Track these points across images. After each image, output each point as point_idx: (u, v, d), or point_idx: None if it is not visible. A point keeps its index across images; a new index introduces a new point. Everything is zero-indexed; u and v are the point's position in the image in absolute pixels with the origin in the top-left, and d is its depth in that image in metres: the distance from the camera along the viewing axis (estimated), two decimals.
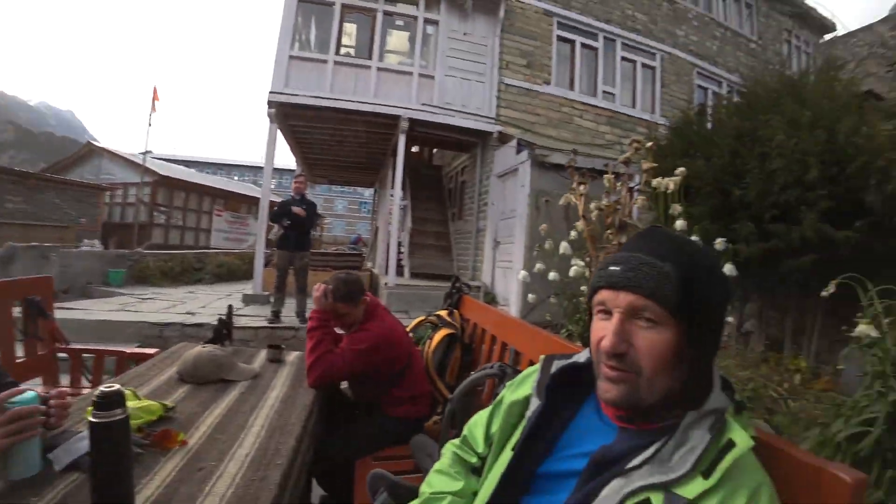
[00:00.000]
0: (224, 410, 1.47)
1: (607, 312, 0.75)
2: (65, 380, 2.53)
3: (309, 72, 7.36)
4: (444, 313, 2.60)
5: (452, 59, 8.03)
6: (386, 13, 7.91)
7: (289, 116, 7.82)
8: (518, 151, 7.08)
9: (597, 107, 8.95)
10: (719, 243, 3.00)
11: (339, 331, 2.13)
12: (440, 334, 2.40)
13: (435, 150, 13.45)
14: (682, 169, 2.88)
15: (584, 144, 8.48)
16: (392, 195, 9.54)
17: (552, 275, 2.88)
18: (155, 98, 13.47)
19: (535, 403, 0.86)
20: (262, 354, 2.21)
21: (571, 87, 8.86)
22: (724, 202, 4.57)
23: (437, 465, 1.00)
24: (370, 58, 7.71)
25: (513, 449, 0.83)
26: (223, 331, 2.25)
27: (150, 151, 14.52)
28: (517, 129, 8.08)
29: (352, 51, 8.58)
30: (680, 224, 2.88)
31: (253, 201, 19.69)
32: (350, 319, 2.05)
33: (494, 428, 0.95)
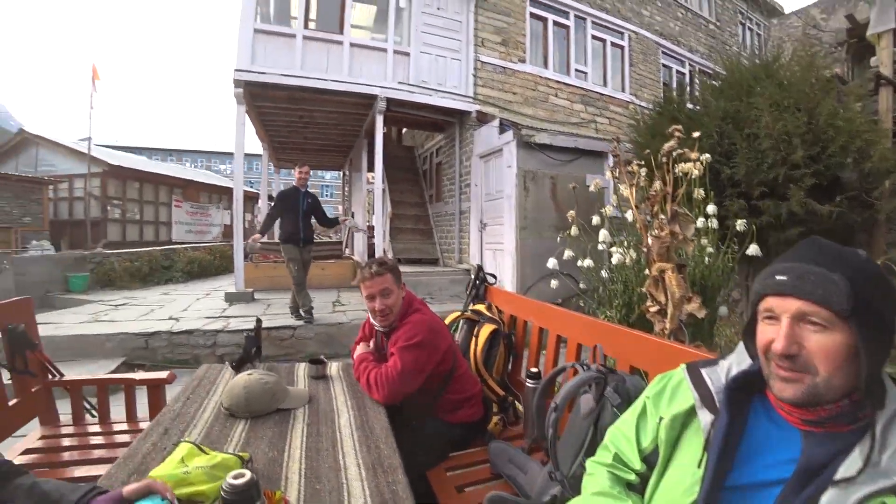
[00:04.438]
0: (303, 451, 1.29)
1: (774, 318, 0.80)
2: (64, 417, 2.22)
3: (276, 47, 6.85)
4: (482, 308, 2.46)
5: (427, 36, 7.75)
6: None
7: (257, 97, 7.30)
8: (501, 132, 6.95)
9: (570, 85, 9.01)
10: (740, 224, 2.96)
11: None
12: (486, 330, 2.26)
13: (404, 131, 13.10)
14: (706, 155, 2.80)
15: (559, 123, 8.59)
16: (369, 176, 9.25)
17: (587, 262, 2.77)
18: (95, 77, 12.30)
19: (706, 416, 0.87)
20: (300, 370, 2.01)
21: (546, 65, 8.86)
22: (713, 180, 4.70)
23: (594, 488, 0.99)
24: (341, 32, 7.27)
25: (700, 466, 0.84)
26: (252, 350, 2.01)
27: (89, 138, 13.31)
28: (494, 108, 8.00)
29: (312, 24, 8.08)
30: (711, 209, 2.83)
31: (213, 189, 18.76)
32: (393, 301, 1.90)
33: (646, 443, 0.97)
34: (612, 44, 9.63)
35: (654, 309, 2.11)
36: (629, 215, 3.03)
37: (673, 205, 2.09)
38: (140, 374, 2.22)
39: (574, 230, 2.86)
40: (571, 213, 2.84)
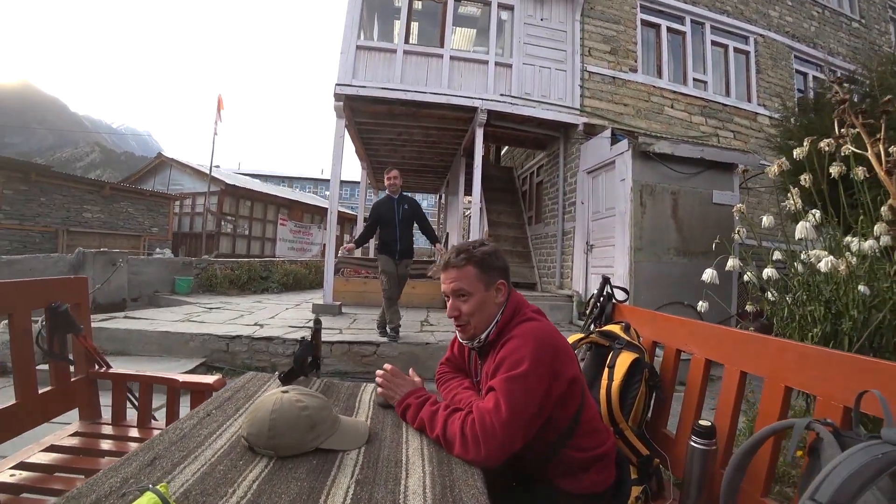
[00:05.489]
0: None
1: None
2: (106, 412, 1.92)
3: (377, 62, 6.84)
4: (617, 328, 1.77)
5: (530, 47, 7.36)
6: None
7: (356, 112, 7.30)
8: (613, 142, 6.22)
9: (688, 95, 8.05)
10: None
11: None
12: (626, 359, 1.57)
13: (503, 152, 12.70)
14: None
15: (677, 137, 7.58)
16: (466, 199, 8.91)
17: (768, 271, 2.00)
18: (220, 107, 13.57)
19: None
20: (365, 394, 1.49)
21: (659, 74, 8.03)
22: None
23: None
24: (441, 46, 7.09)
25: None
26: (307, 360, 1.52)
27: (218, 166, 14.66)
28: (603, 121, 7.30)
29: (412, 40, 8.01)
30: None
31: (315, 210, 19.75)
32: (471, 309, 1.27)
33: None
34: (736, 49, 8.56)
35: None
36: (812, 216, 2.18)
37: None
38: (184, 377, 1.84)
39: (742, 232, 2.09)
40: (740, 206, 2.08)
